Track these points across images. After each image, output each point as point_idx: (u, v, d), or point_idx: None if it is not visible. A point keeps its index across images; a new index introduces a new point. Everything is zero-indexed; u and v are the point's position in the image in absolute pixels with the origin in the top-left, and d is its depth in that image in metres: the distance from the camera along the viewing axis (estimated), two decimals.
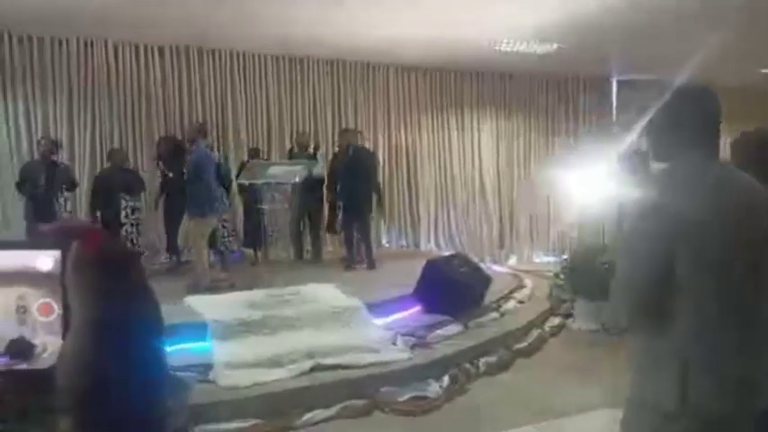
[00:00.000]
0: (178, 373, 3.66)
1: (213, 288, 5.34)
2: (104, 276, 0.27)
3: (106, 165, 6.69)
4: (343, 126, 8.03)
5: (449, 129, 9.21)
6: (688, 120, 1.61)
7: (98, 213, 6.40)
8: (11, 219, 6.50)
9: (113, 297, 0.26)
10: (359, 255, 6.73)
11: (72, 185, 6.30)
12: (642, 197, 1.61)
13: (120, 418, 0.25)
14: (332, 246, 7.78)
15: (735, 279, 1.52)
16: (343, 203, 6.70)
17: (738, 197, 1.56)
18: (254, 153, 7.13)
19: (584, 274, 5.71)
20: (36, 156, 6.36)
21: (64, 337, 0.29)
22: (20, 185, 5.99)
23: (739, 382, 1.51)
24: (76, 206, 6.84)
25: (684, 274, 1.49)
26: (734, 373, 1.51)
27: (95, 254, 0.27)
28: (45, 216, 5.57)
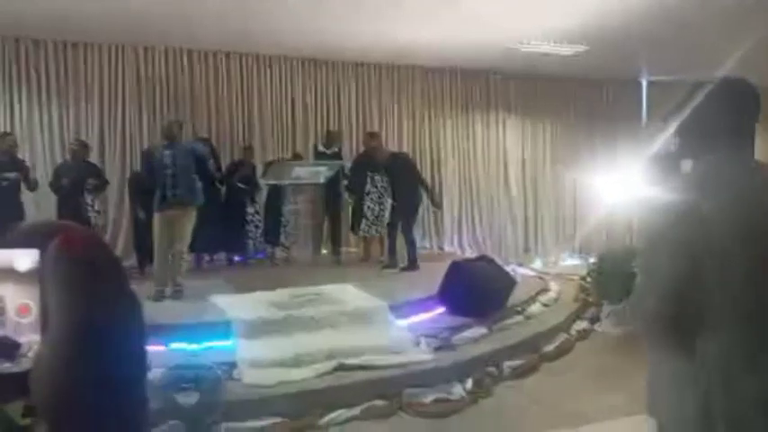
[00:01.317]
0: (210, 369, 3.71)
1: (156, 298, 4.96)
2: (85, 277, 0.25)
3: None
4: (368, 128, 8.06)
5: (474, 130, 9.15)
6: (718, 114, 1.47)
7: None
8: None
9: (93, 299, 0.25)
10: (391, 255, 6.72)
11: (104, 183, 6.43)
12: (666, 201, 1.47)
13: (94, 424, 0.24)
14: (355, 246, 7.79)
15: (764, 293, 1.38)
16: (392, 205, 6.70)
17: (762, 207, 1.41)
18: (296, 158, 7.16)
19: (613, 278, 5.61)
20: (68, 157, 6.52)
21: (42, 339, 0.28)
22: (52, 185, 6.17)
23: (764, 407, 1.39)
24: (107, 205, 7.00)
25: (710, 286, 1.37)
26: (760, 398, 1.38)
27: (76, 252, 0.25)
28: (72, 215, 5.71)
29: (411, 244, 6.65)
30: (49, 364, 0.33)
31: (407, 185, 6.57)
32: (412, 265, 6.51)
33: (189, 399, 3.44)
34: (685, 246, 1.38)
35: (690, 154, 1.56)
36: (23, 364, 0.37)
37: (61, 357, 0.33)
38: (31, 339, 0.38)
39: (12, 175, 5.63)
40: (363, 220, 6.96)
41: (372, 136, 7.16)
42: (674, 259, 1.39)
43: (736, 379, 1.38)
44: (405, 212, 6.64)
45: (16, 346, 0.37)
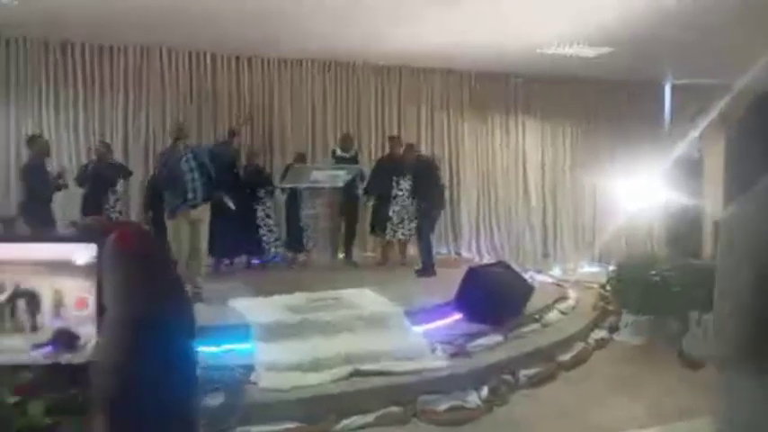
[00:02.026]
0: (233, 371, 3.76)
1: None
2: (140, 272, 0.26)
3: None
4: (387, 132, 8.10)
5: (493, 134, 9.10)
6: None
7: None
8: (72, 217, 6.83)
9: (148, 294, 0.26)
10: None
11: (128, 174, 6.79)
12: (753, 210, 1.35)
13: (150, 417, 0.25)
14: (371, 251, 7.82)
15: None
16: (419, 208, 6.74)
17: None
18: (300, 158, 7.23)
19: (632, 286, 5.54)
20: (93, 158, 6.67)
21: (99, 333, 0.30)
22: (80, 183, 6.42)
23: None
24: (129, 208, 7.15)
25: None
26: None
27: (132, 248, 0.26)
28: (93, 212, 6.04)
29: (430, 248, 6.66)
30: (107, 357, 0.34)
31: (432, 189, 6.58)
32: (430, 269, 6.51)
33: (214, 400, 3.49)
34: None
35: (748, 173, 1.44)
36: (82, 356, 0.39)
37: (119, 350, 0.34)
38: (89, 331, 0.41)
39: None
40: (389, 224, 6.96)
41: (397, 140, 7.19)
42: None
43: None
44: (429, 216, 6.64)
45: (76, 337, 0.39)
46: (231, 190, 6.18)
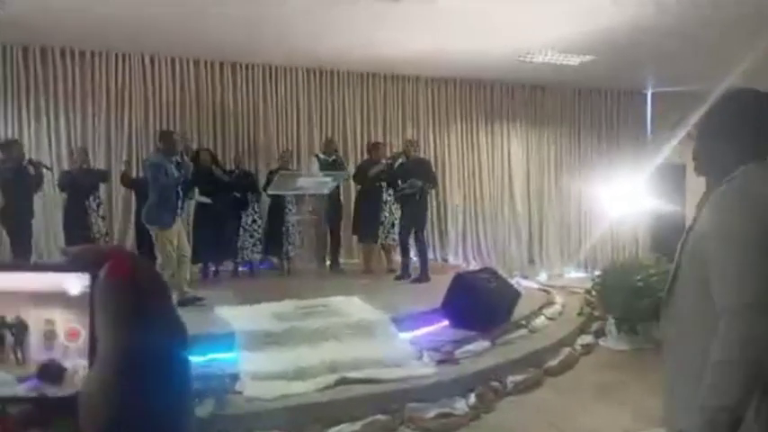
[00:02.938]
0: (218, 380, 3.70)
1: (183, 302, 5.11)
2: (134, 304, 0.25)
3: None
4: (373, 138, 8.09)
5: (478, 141, 9.15)
6: (744, 127, 1.45)
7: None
8: (49, 225, 6.72)
9: (143, 325, 0.25)
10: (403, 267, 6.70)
11: (106, 177, 6.75)
12: (719, 218, 1.40)
13: None
14: (355, 257, 7.79)
15: None
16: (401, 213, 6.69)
17: None
18: (285, 155, 7.22)
19: (617, 292, 5.57)
20: (75, 165, 6.58)
21: (91, 365, 0.28)
22: (62, 188, 6.39)
23: None
24: (111, 208, 7.06)
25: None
26: None
27: (125, 279, 0.25)
28: (76, 220, 6.10)
29: (425, 254, 6.66)
30: (98, 388, 0.34)
31: (425, 193, 6.57)
32: (426, 276, 6.49)
33: (198, 410, 3.42)
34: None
35: (714, 167, 1.51)
36: (68, 389, 0.38)
37: (109, 383, 0.34)
38: (77, 363, 0.39)
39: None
40: (381, 228, 6.97)
41: (379, 146, 7.18)
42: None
43: None
44: (421, 220, 6.61)
45: (62, 370, 0.37)
46: (209, 195, 6.34)
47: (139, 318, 0.36)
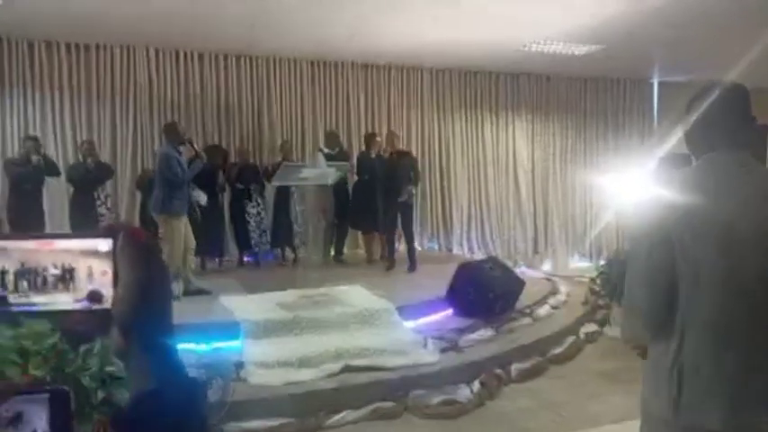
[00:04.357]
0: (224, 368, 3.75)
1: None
2: (141, 253, 0.54)
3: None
4: (377, 129, 8.08)
5: (483, 131, 9.12)
6: (713, 116, 1.55)
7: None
8: (54, 213, 6.80)
9: (143, 266, 0.52)
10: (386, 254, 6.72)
11: (111, 173, 6.74)
12: (649, 197, 1.56)
13: (147, 328, 0.73)
14: (358, 248, 7.81)
15: (738, 288, 1.45)
16: (388, 203, 6.65)
17: (750, 206, 1.47)
18: (285, 146, 7.24)
19: (622, 280, 5.56)
20: (80, 158, 6.63)
21: (115, 289, 0.54)
22: (70, 180, 6.46)
23: (734, 398, 1.45)
24: (117, 201, 7.12)
25: (687, 281, 1.46)
26: (728, 388, 1.45)
27: (137, 239, 0.54)
28: (83, 212, 6.18)
29: (413, 243, 6.67)
30: (120, 297, 1.07)
31: (410, 182, 6.61)
32: (414, 265, 6.55)
33: (210, 397, 3.46)
34: (662, 238, 1.47)
35: (692, 154, 1.63)
36: (105, 305, 1.04)
37: (129, 296, 1.06)
38: (108, 292, 1.11)
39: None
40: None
41: (387, 136, 7.16)
42: (651, 251, 1.49)
43: (706, 365, 1.47)
44: (411, 218, 6.65)
45: (101, 294, 1.35)
46: (206, 187, 6.33)
47: (144, 263, 1.03)
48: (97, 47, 7.14)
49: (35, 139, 6.27)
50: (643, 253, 1.52)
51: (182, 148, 5.51)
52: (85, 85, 7.13)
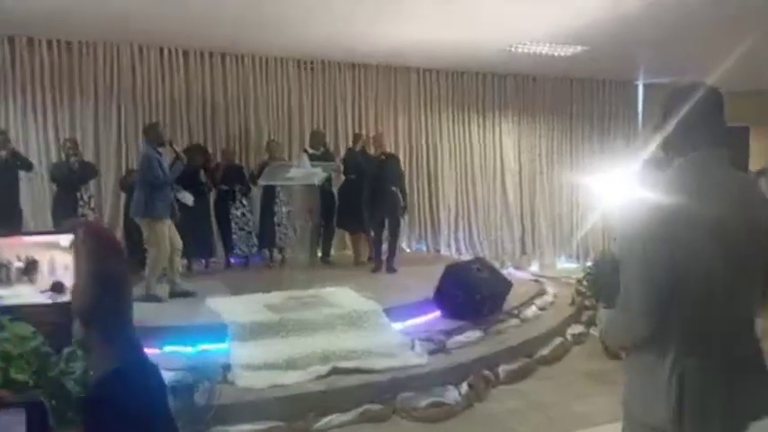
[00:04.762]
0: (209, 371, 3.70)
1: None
2: (99, 244, 0.67)
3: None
4: (364, 130, 8.06)
5: (470, 131, 9.14)
6: (687, 119, 1.55)
7: None
8: (37, 213, 6.69)
9: (102, 258, 0.66)
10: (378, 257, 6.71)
11: (95, 174, 6.60)
12: (637, 199, 1.56)
13: (106, 318, 0.67)
14: (346, 249, 7.78)
15: (734, 290, 1.46)
16: (376, 204, 6.64)
17: (736, 204, 1.49)
18: (271, 146, 7.18)
19: (609, 280, 5.59)
20: (62, 157, 6.51)
21: (75, 281, 0.73)
22: (53, 180, 6.32)
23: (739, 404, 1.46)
24: (101, 202, 7.03)
25: (681, 280, 1.45)
26: (732, 393, 1.45)
27: (95, 232, 0.68)
28: (67, 211, 5.98)
29: (396, 245, 6.73)
30: (80, 288, 0.71)
31: (399, 184, 6.66)
32: (390, 266, 6.59)
33: (196, 400, 3.41)
34: (661, 240, 1.46)
35: (670, 156, 1.63)
36: (67, 297, 0.97)
37: (86, 285, 0.69)
38: (69, 282, 1.03)
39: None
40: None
41: (375, 138, 7.15)
42: (645, 251, 1.48)
43: (706, 392, 1.45)
44: (398, 219, 6.67)
45: (64, 285, 1.61)
46: (189, 187, 6.24)
47: (101, 253, 0.68)
48: (80, 44, 7.03)
49: (3, 133, 6.12)
50: (637, 253, 1.50)
51: (162, 150, 5.43)
52: (68, 82, 7.01)
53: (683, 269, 1.44)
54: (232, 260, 7.02)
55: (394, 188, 6.60)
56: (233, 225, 6.86)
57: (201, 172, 6.69)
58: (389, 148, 7.77)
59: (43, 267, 2.78)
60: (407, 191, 7.27)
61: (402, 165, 7.49)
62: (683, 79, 1.80)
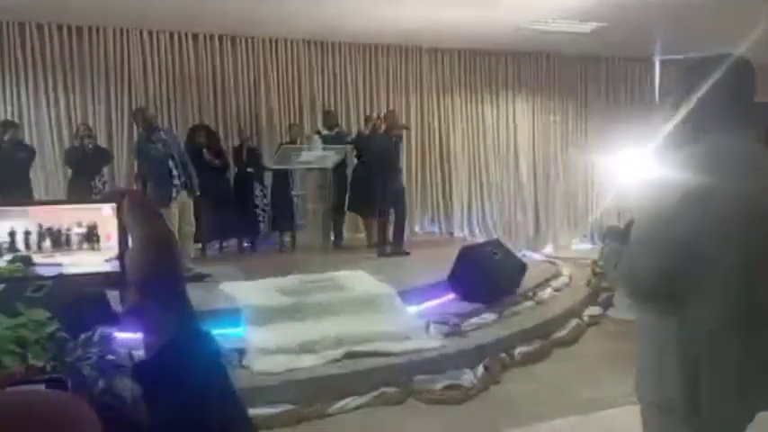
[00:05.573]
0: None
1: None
2: (146, 213, 0.66)
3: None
4: (376, 111, 7.96)
5: (483, 111, 9.01)
6: (715, 93, 1.44)
7: None
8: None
9: (152, 225, 0.65)
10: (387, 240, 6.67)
11: (109, 159, 6.59)
12: (667, 177, 1.47)
13: (161, 285, 0.64)
14: (361, 232, 7.75)
15: (759, 273, 1.40)
16: (384, 187, 6.57)
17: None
18: (293, 129, 7.13)
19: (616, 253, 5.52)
20: (76, 142, 6.52)
21: (125, 250, 0.68)
22: (71, 165, 6.29)
23: (754, 386, 1.41)
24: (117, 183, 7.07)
25: (705, 262, 1.38)
26: (748, 377, 1.41)
27: (141, 201, 0.67)
28: (83, 196, 5.92)
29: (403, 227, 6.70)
30: (134, 255, 0.64)
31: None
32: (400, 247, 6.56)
33: None
34: (683, 221, 1.38)
35: (698, 132, 1.52)
36: (116, 267, 0.66)
37: (141, 251, 0.63)
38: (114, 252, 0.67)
39: (23, 155, 5.96)
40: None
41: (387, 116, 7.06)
42: (671, 234, 1.39)
43: (727, 355, 1.40)
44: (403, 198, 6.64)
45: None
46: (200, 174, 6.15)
47: (149, 221, 0.65)
48: (90, 29, 7.00)
49: (11, 124, 6.09)
50: (652, 232, 1.44)
51: (158, 136, 5.32)
52: (79, 68, 7.01)
53: (702, 249, 1.38)
54: (245, 244, 7.03)
55: (400, 168, 6.53)
56: (258, 208, 6.86)
57: (204, 151, 6.62)
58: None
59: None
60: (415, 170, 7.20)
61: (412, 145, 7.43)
62: (705, 53, 1.69)
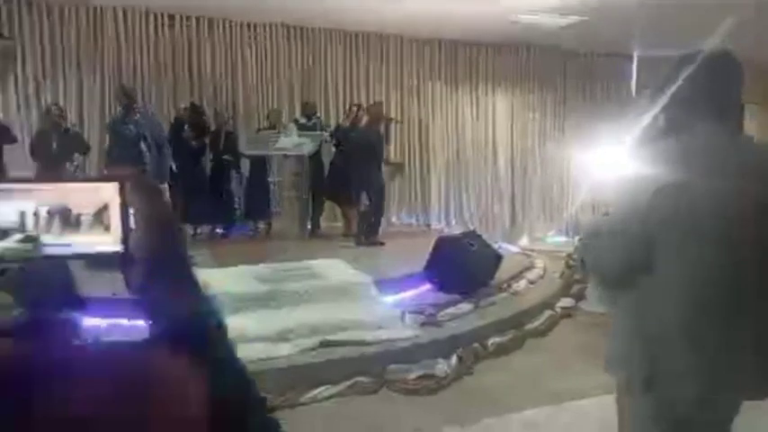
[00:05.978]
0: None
1: None
2: (151, 193, 0.64)
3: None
4: (355, 100, 7.90)
5: (462, 103, 9.03)
6: (702, 88, 1.45)
7: None
8: None
9: (157, 205, 0.64)
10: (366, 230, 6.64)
11: (86, 149, 6.31)
12: (640, 174, 1.48)
13: (168, 266, 0.64)
14: (336, 221, 7.72)
15: (732, 267, 1.41)
16: (360, 179, 6.53)
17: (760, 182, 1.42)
18: (273, 114, 7.02)
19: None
20: (46, 124, 6.30)
21: (131, 230, 0.66)
22: (33, 153, 6.00)
23: (712, 375, 1.43)
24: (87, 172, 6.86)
25: (675, 256, 1.40)
26: (714, 362, 1.44)
27: (145, 182, 0.65)
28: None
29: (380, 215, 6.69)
30: (141, 236, 0.63)
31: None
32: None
33: None
34: (656, 215, 1.40)
35: (676, 127, 1.53)
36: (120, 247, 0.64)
37: (148, 232, 0.63)
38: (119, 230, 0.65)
39: None
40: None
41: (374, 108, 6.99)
42: (641, 228, 1.42)
43: (681, 336, 1.44)
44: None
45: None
46: (177, 157, 6.12)
47: (155, 200, 0.65)
48: (61, 8, 6.78)
49: None
50: (623, 226, 1.47)
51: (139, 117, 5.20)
52: (50, 48, 6.79)
53: (672, 243, 1.40)
54: (216, 230, 6.92)
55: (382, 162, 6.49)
56: (232, 193, 6.76)
57: (186, 128, 6.44)
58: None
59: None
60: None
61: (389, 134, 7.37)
62: (683, 50, 1.69)
